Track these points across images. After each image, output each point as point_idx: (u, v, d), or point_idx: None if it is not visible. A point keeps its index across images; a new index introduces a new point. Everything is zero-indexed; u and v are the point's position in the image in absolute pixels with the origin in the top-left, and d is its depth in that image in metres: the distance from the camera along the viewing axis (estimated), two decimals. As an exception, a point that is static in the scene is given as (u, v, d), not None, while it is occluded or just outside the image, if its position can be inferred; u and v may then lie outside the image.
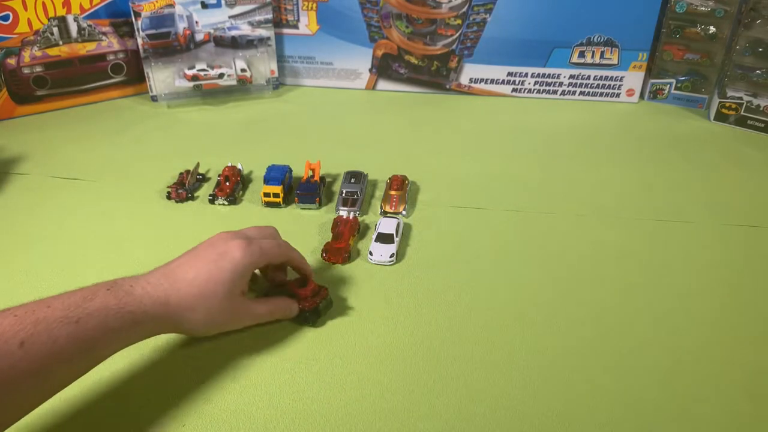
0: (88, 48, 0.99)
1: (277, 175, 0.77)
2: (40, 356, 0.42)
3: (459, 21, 1.01)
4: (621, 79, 1.04)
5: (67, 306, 0.45)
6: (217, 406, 0.51)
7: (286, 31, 1.05)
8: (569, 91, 1.06)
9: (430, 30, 1.03)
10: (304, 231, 0.72)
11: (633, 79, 1.04)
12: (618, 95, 1.05)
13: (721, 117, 0.98)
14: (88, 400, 0.51)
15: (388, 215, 0.74)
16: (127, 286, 0.49)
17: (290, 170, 0.80)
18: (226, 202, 0.77)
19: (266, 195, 0.76)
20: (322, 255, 0.68)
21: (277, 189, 0.76)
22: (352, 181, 0.79)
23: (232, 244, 0.53)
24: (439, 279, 0.65)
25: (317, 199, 0.76)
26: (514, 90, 1.07)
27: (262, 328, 0.58)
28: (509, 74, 1.05)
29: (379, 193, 0.79)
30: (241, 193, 0.79)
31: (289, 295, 0.59)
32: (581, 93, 1.06)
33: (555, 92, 1.06)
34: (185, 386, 0.53)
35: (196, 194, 0.79)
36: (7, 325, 0.42)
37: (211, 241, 0.54)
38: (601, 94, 1.06)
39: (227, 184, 0.78)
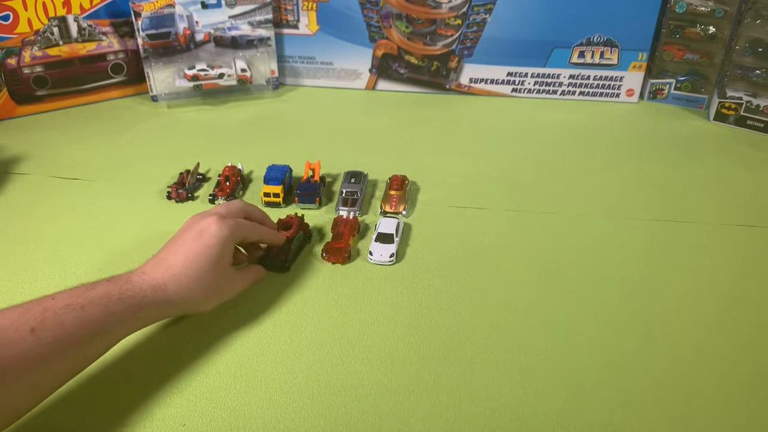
0: (89, 48, 0.99)
1: (277, 175, 0.77)
2: (50, 341, 0.45)
3: (459, 21, 1.01)
4: (621, 79, 1.04)
5: (70, 295, 0.48)
6: (218, 405, 0.51)
7: (286, 31, 1.05)
8: (569, 91, 1.06)
9: (430, 30, 1.03)
10: (304, 231, 0.72)
11: (633, 79, 1.04)
12: (618, 95, 1.05)
13: (720, 117, 0.98)
14: (86, 400, 0.51)
15: (388, 215, 0.74)
16: (125, 276, 0.52)
17: (290, 170, 0.80)
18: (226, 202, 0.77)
19: (266, 195, 0.76)
20: (322, 255, 0.68)
21: (277, 189, 0.76)
22: (352, 181, 0.79)
23: (207, 221, 0.57)
24: (439, 279, 0.65)
25: (317, 199, 0.76)
26: (514, 90, 1.07)
27: (262, 328, 0.58)
28: (509, 74, 1.05)
29: (379, 193, 0.79)
30: (241, 193, 0.79)
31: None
32: (581, 93, 1.06)
33: (555, 92, 1.06)
34: (185, 386, 0.53)
35: (196, 194, 0.79)
36: (16, 315, 0.45)
37: (187, 225, 0.58)
38: (601, 94, 1.06)
39: (227, 184, 0.78)
